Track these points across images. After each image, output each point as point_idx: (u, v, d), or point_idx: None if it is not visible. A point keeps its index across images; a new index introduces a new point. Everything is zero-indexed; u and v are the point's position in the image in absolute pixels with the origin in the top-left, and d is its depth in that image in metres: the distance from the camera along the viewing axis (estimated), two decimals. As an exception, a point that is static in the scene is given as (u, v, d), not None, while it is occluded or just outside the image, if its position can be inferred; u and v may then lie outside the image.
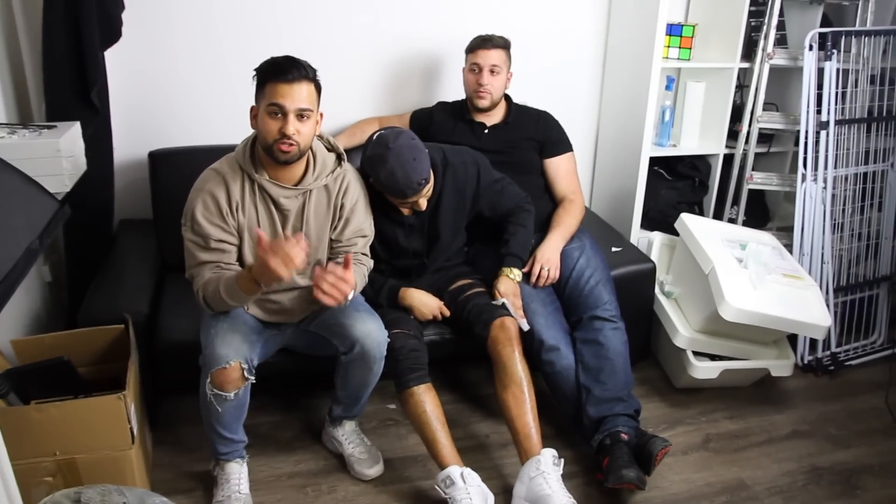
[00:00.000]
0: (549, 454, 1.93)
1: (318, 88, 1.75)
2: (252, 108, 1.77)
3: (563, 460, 1.95)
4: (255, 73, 1.74)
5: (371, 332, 1.86)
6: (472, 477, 1.87)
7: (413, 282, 2.16)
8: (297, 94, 1.68)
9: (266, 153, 1.75)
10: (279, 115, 1.69)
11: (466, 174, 2.10)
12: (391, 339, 1.92)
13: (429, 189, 1.99)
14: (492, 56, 2.34)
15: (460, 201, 2.12)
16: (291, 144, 1.71)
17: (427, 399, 1.95)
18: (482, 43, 2.37)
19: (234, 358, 1.72)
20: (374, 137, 1.96)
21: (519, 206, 2.23)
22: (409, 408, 1.96)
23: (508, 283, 2.13)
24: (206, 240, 1.76)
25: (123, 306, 2.03)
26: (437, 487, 1.89)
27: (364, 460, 2.06)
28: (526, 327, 2.09)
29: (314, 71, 1.73)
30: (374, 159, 1.91)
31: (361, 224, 1.92)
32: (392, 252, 2.12)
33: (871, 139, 2.73)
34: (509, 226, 2.20)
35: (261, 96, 1.72)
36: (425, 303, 2.12)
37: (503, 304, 2.10)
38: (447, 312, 2.14)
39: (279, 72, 1.67)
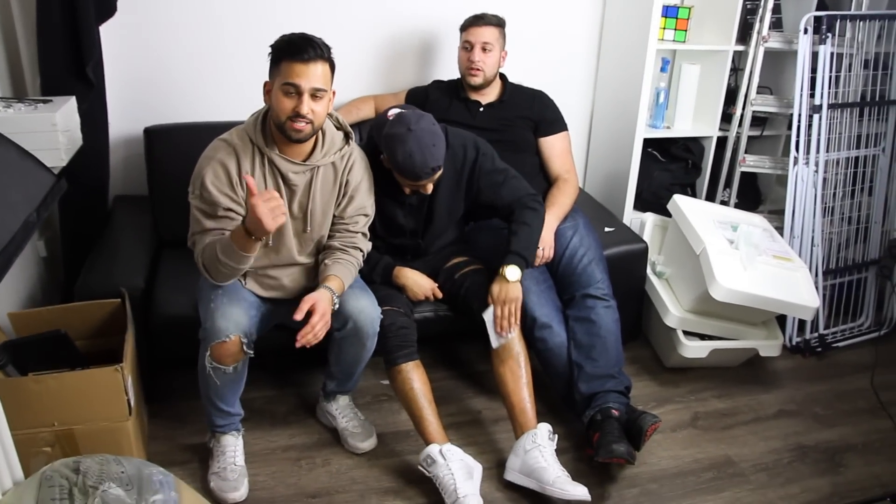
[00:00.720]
0: (544, 428, 1.97)
1: (332, 67, 1.75)
2: (266, 84, 1.77)
3: (556, 435, 1.99)
4: (270, 49, 1.73)
5: (364, 308, 1.88)
6: (453, 452, 1.90)
7: (409, 262, 2.18)
8: (312, 74, 1.68)
9: (279, 130, 1.76)
10: (294, 93, 1.69)
11: (465, 157, 2.07)
12: (381, 316, 1.94)
13: (439, 175, 1.97)
14: (484, 33, 2.35)
15: (457, 183, 2.10)
16: (306, 123, 1.72)
17: (415, 377, 1.97)
18: (474, 20, 2.38)
19: (234, 332, 1.74)
20: (395, 116, 1.92)
21: (522, 203, 2.07)
22: (397, 384, 1.99)
23: (502, 286, 1.99)
24: (214, 207, 1.76)
25: (119, 281, 2.04)
26: (420, 468, 1.92)
27: (357, 434, 2.09)
28: (496, 344, 2.02)
29: (329, 49, 1.73)
30: (393, 138, 1.88)
31: (364, 202, 1.94)
32: (389, 230, 2.12)
33: (864, 124, 2.75)
34: (512, 224, 2.07)
35: (276, 73, 1.72)
36: (419, 283, 2.13)
37: (488, 318, 2.01)
38: (440, 294, 2.15)
39: (295, 51, 1.67)
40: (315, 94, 1.70)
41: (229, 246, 1.70)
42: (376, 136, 1.99)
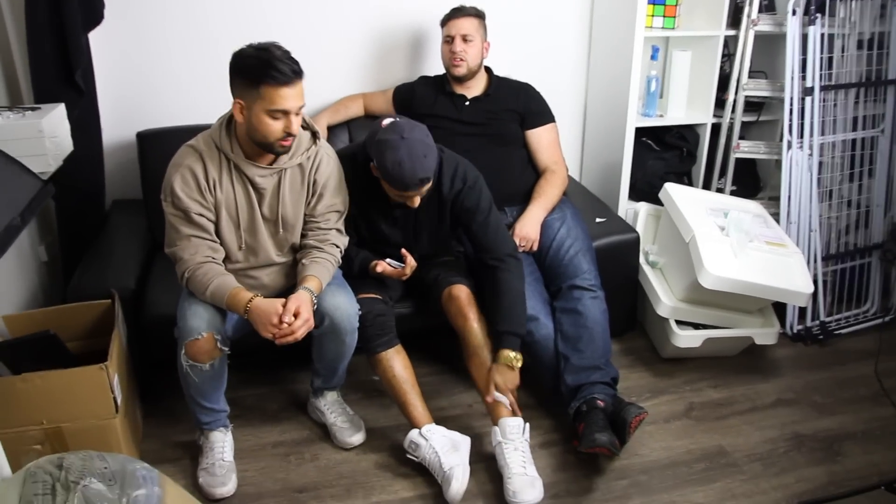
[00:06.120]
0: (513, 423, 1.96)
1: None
2: (237, 103, 1.72)
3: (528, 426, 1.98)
4: (239, 67, 1.71)
5: (340, 305, 1.89)
6: (433, 431, 1.93)
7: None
8: (297, 94, 1.71)
9: (263, 148, 1.78)
10: (282, 117, 1.72)
11: (452, 187, 2.02)
12: (358, 304, 1.94)
13: (426, 189, 1.93)
14: (463, 25, 2.36)
15: (440, 209, 2.06)
16: (293, 139, 1.77)
17: (395, 363, 2.00)
18: (454, 13, 2.40)
19: (206, 329, 1.77)
20: (388, 123, 1.88)
21: (507, 257, 2.04)
22: (380, 372, 2.02)
23: (506, 374, 1.97)
24: (187, 213, 1.79)
25: (111, 282, 2.08)
26: (408, 456, 1.94)
27: (346, 429, 2.10)
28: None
29: (298, 62, 1.73)
30: (384, 144, 1.84)
31: (334, 199, 1.94)
32: (376, 238, 2.11)
33: (861, 105, 2.69)
34: (496, 284, 2.02)
35: (254, 96, 1.68)
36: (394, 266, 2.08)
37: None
38: (414, 264, 2.06)
39: (276, 74, 1.65)
40: (298, 112, 1.74)
41: (221, 297, 1.78)
42: (368, 144, 1.95)
